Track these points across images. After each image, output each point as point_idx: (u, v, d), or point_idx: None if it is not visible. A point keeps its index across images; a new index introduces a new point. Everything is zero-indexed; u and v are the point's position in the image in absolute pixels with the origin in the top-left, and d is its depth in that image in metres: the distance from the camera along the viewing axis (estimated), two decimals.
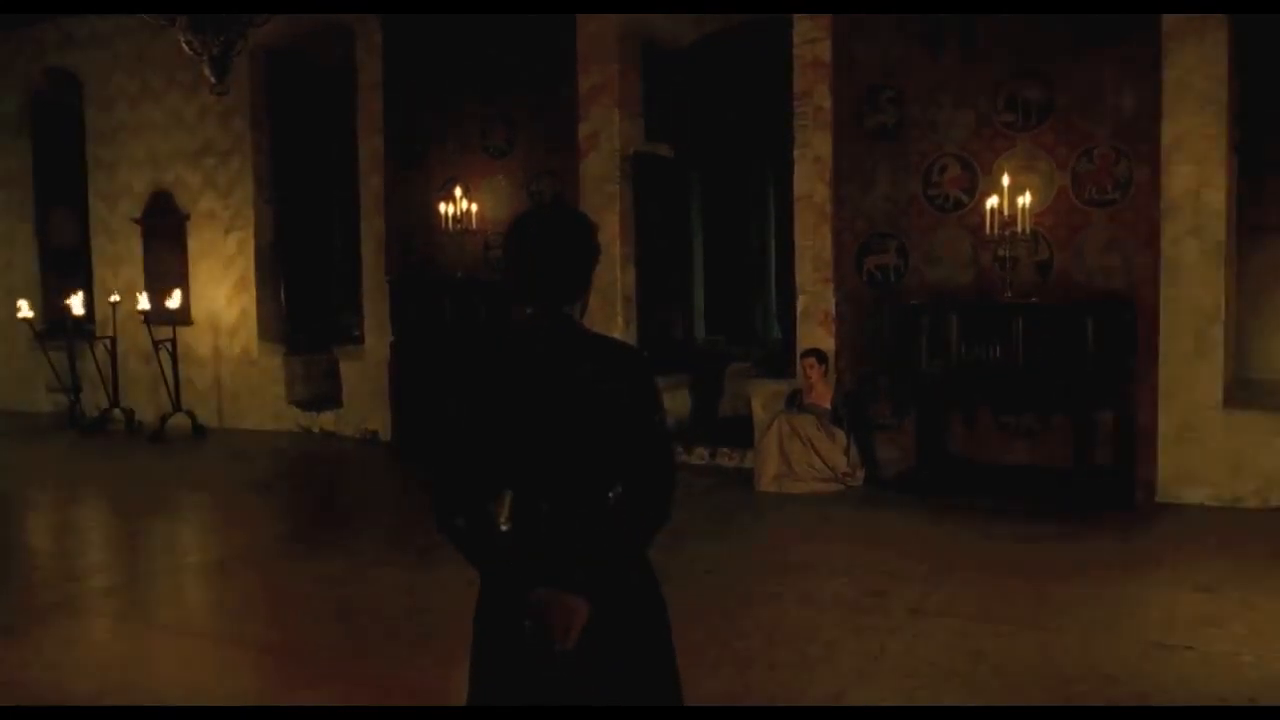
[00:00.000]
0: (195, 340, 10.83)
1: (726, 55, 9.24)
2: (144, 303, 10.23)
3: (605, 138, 8.63)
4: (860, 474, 7.37)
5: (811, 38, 7.66)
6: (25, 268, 12.40)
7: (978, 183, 7.17)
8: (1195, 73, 6.51)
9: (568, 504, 2.21)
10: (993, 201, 6.75)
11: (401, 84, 9.56)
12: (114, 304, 10.77)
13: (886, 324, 7.45)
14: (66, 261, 12.24)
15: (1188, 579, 5.17)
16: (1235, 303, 7.17)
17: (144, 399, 10.94)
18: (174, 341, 10.22)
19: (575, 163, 8.76)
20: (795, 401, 7.54)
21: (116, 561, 6.26)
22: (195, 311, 10.87)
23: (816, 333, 7.71)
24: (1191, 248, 6.59)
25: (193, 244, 10.92)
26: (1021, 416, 7.14)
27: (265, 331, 10.72)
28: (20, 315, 10.99)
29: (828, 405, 7.41)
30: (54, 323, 11.55)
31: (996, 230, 6.73)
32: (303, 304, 11.00)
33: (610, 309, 8.50)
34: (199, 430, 10.29)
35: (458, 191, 8.96)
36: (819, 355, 7.49)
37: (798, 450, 7.23)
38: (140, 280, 10.98)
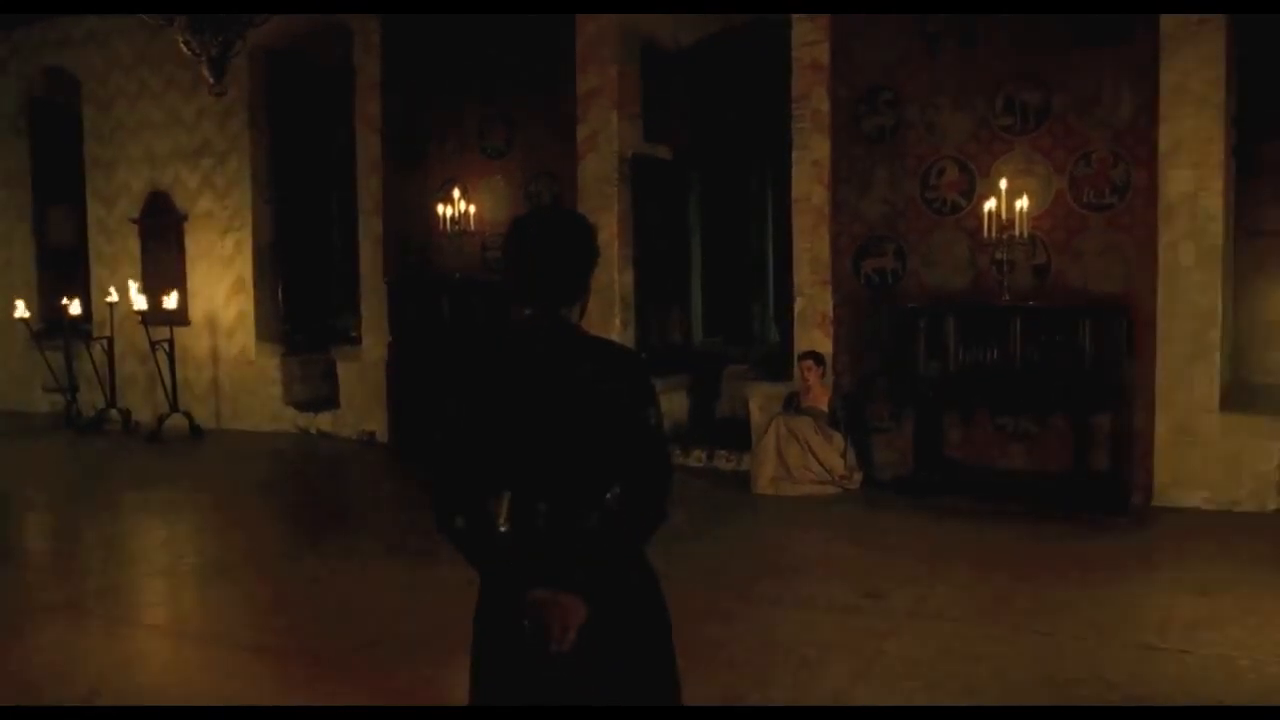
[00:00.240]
0: (193, 341, 10.81)
1: (725, 58, 9.25)
2: (141, 303, 10.22)
3: (604, 139, 8.63)
4: (857, 476, 7.37)
5: (810, 40, 7.67)
6: (22, 267, 12.39)
7: (975, 186, 7.17)
8: (1193, 76, 6.52)
9: (565, 504, 2.21)
10: (990, 205, 6.76)
11: (400, 84, 9.56)
12: (111, 304, 10.76)
13: (884, 326, 7.46)
14: (64, 261, 12.24)
15: (1184, 582, 5.18)
16: (1232, 306, 7.19)
17: (141, 399, 10.93)
18: (171, 342, 10.21)
19: (574, 164, 8.76)
20: (793, 404, 7.54)
21: (112, 562, 6.25)
22: (193, 312, 10.85)
23: (814, 335, 7.72)
24: (1189, 251, 6.59)
25: (190, 244, 10.91)
26: (1019, 419, 7.14)
27: (263, 332, 10.70)
28: (17, 315, 10.98)
29: (825, 408, 7.41)
30: (51, 322, 11.54)
31: (994, 233, 6.73)
32: (300, 305, 10.98)
33: (608, 310, 8.50)
34: (196, 431, 10.28)
35: (456, 192, 8.96)
36: (816, 358, 7.49)
37: (795, 452, 7.23)
38: (138, 280, 10.97)
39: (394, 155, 9.64)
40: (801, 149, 7.75)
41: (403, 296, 9.28)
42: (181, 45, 6.22)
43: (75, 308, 10.85)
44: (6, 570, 5.95)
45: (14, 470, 9.11)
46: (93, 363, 10.97)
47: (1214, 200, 6.56)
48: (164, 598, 5.62)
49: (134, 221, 11.21)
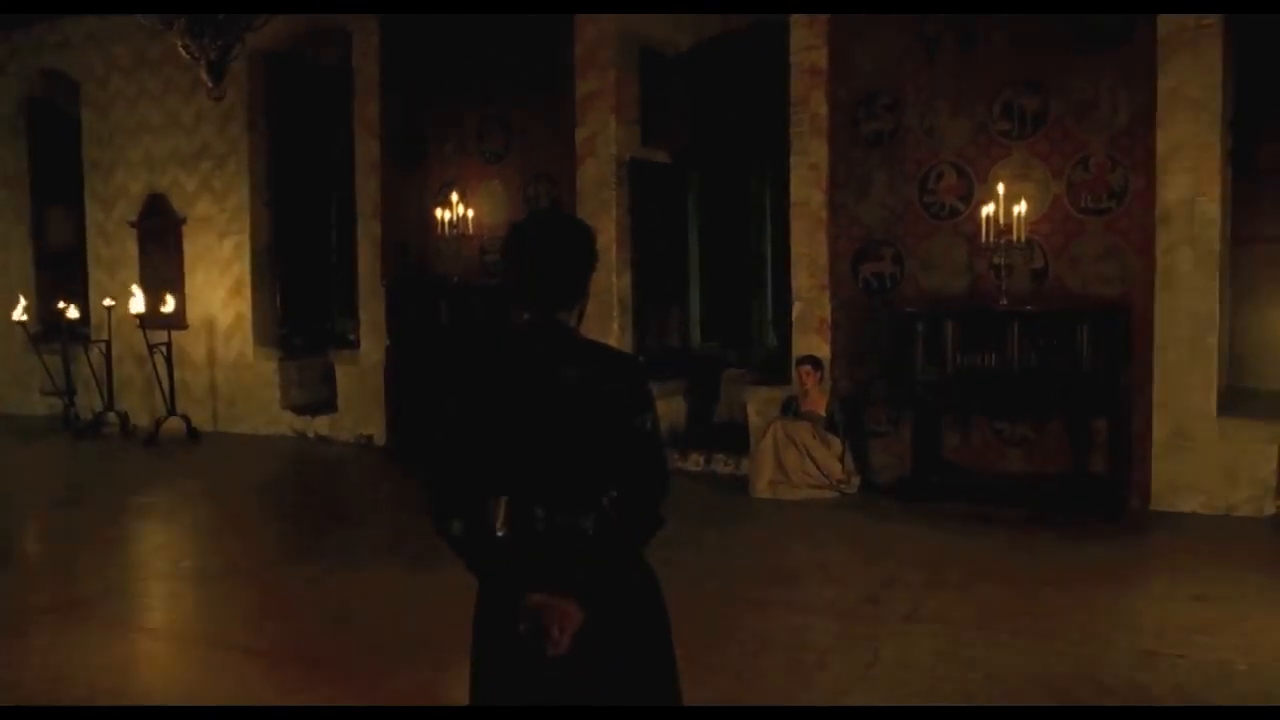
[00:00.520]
0: (190, 344, 10.81)
1: (723, 61, 9.25)
2: (139, 306, 10.22)
3: (602, 143, 8.64)
4: (855, 481, 7.37)
5: (808, 44, 7.68)
6: (20, 270, 12.39)
7: (974, 190, 7.18)
8: (1190, 82, 6.54)
9: (562, 508, 2.21)
10: (988, 209, 6.77)
11: (399, 87, 9.56)
12: (109, 307, 10.75)
13: (882, 331, 7.46)
14: (62, 264, 12.24)
15: (1181, 587, 5.18)
16: (1229, 311, 7.20)
17: (139, 403, 10.92)
18: (169, 345, 10.19)
19: (572, 168, 8.76)
20: (791, 408, 7.54)
21: (110, 565, 6.24)
22: (191, 315, 10.85)
23: (812, 339, 7.72)
24: (1186, 256, 6.60)
25: (189, 247, 10.91)
26: (1016, 424, 7.15)
27: (261, 335, 10.70)
28: (15, 317, 10.97)
29: (823, 412, 7.41)
30: (49, 325, 11.53)
31: (992, 238, 6.75)
32: (299, 308, 10.98)
33: (606, 314, 8.50)
34: (194, 434, 10.26)
35: (454, 196, 8.96)
36: (815, 362, 7.49)
37: (793, 457, 7.23)
38: (136, 283, 10.96)
39: (392, 158, 9.65)
40: (800, 153, 7.76)
41: (401, 300, 9.28)
42: (180, 49, 6.23)
43: (73, 311, 10.84)
44: (4, 573, 5.94)
45: (11, 473, 9.10)
46: (90, 366, 10.96)
47: (1211, 205, 6.57)
48: (162, 601, 5.61)
49: (132, 224, 11.22)
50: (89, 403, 11.08)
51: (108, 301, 10.77)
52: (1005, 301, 6.78)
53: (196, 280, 10.89)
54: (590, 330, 2.55)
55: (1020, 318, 6.70)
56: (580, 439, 2.22)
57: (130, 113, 11.14)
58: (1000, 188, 6.77)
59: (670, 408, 8.68)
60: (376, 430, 9.72)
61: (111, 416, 10.76)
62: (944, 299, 7.22)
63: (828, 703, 3.90)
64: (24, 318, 11.00)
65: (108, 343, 10.81)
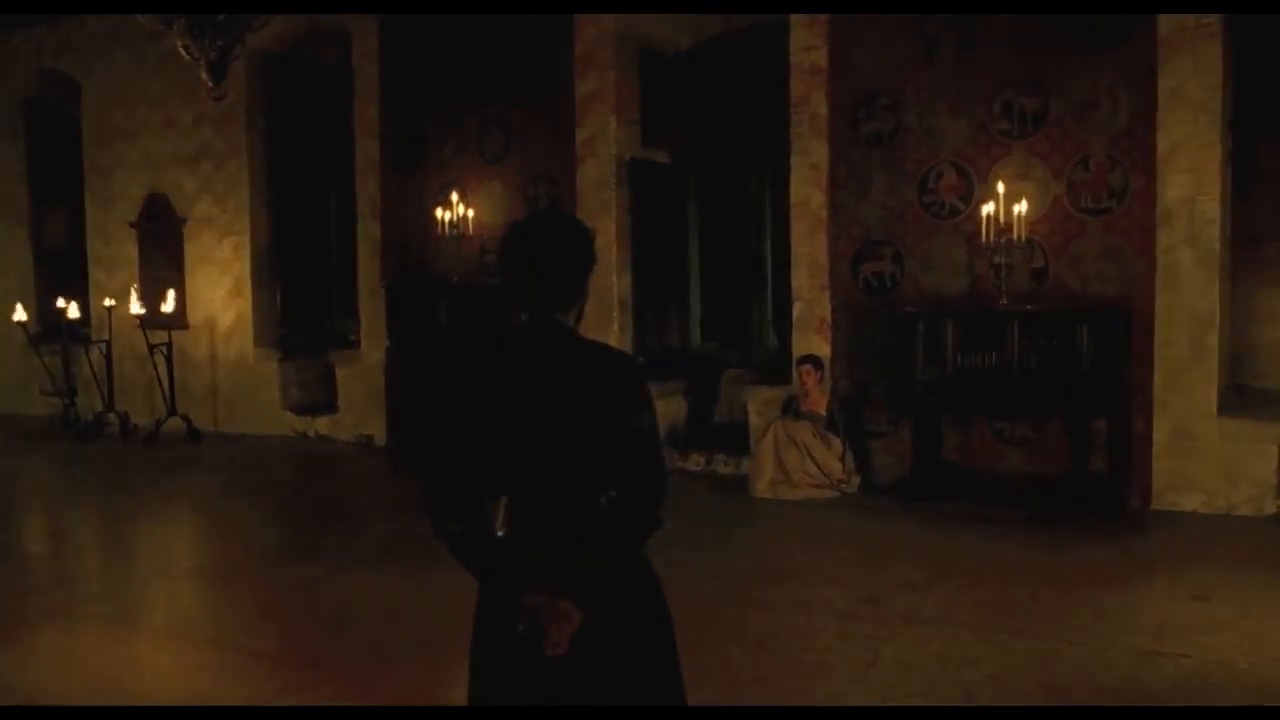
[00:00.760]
0: (191, 344, 10.81)
1: (723, 62, 9.25)
2: (139, 307, 10.21)
3: (602, 143, 8.64)
4: (855, 480, 7.37)
5: (808, 45, 7.68)
6: (20, 270, 12.39)
7: (974, 190, 7.18)
8: (1190, 82, 6.54)
9: (561, 508, 2.21)
10: (988, 209, 6.77)
11: (399, 88, 9.56)
12: (109, 308, 10.75)
13: (882, 331, 7.46)
14: (61, 264, 12.24)
15: (1182, 586, 5.18)
16: (1230, 310, 7.20)
17: (139, 403, 10.92)
18: (169, 345, 10.20)
19: (572, 168, 8.76)
20: (791, 408, 7.54)
21: (110, 566, 6.24)
22: (191, 315, 10.85)
23: (812, 339, 7.72)
24: (1186, 256, 6.60)
25: (189, 248, 10.91)
26: (1016, 423, 7.15)
27: (261, 336, 10.70)
28: (15, 318, 10.97)
29: (823, 412, 7.41)
30: (49, 326, 11.53)
31: (992, 237, 6.74)
32: (299, 308, 10.98)
33: (606, 314, 8.50)
34: (194, 434, 10.25)
35: (454, 196, 8.96)
36: (815, 362, 7.49)
37: (793, 457, 7.23)
38: (135, 284, 10.97)
39: (392, 159, 9.65)
40: (800, 153, 7.76)
41: (401, 300, 9.28)
42: (180, 49, 6.22)
43: (73, 311, 10.84)
44: (4, 573, 5.94)
45: (12, 474, 9.10)
46: (91, 366, 10.96)
47: (1211, 205, 6.57)
48: (162, 601, 5.61)
49: (132, 225, 11.21)
50: (89, 403, 11.07)
51: (108, 302, 10.78)
52: (1005, 301, 6.78)
53: (197, 281, 10.89)
54: (590, 330, 2.55)
55: (1020, 318, 6.70)
56: (579, 439, 2.22)
57: (130, 113, 11.14)
58: (1000, 187, 6.77)
59: (670, 408, 8.68)
60: (377, 430, 9.72)
61: (112, 417, 10.75)
62: (944, 299, 7.22)
63: (828, 703, 3.90)
64: (23, 318, 11.00)
65: (108, 343, 10.81)
